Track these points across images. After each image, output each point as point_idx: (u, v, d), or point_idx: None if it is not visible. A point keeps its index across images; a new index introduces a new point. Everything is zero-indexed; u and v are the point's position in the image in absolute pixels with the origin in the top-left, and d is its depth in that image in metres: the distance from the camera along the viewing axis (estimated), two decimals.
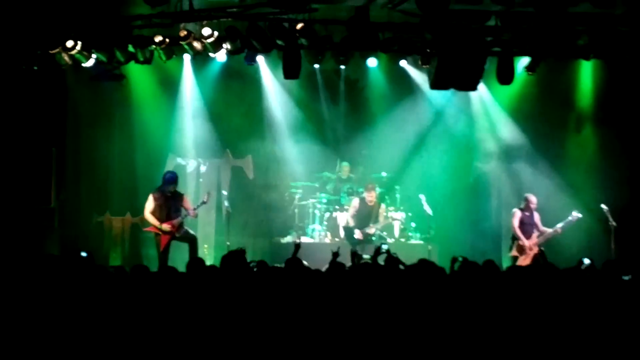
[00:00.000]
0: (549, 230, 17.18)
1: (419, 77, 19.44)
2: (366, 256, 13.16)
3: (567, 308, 8.19)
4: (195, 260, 10.22)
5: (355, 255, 12.03)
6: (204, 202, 17.02)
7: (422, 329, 7.67)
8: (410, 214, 18.97)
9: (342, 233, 18.64)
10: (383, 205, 18.46)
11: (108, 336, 7.67)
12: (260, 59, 18.65)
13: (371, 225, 17.98)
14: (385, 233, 18.28)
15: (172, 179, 16.57)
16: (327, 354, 7.47)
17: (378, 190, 18.34)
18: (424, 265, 8.93)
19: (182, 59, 18.34)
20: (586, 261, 11.64)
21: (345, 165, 19.81)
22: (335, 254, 11.29)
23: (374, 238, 17.85)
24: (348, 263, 11.00)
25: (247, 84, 19.92)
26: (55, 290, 8.47)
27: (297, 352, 7.48)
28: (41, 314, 7.93)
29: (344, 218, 18.68)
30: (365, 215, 18.08)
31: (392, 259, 10.56)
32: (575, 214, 17.13)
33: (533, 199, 17.41)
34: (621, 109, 18.67)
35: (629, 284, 9.59)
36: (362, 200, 18.15)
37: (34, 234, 17.13)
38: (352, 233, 17.90)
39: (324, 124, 20.53)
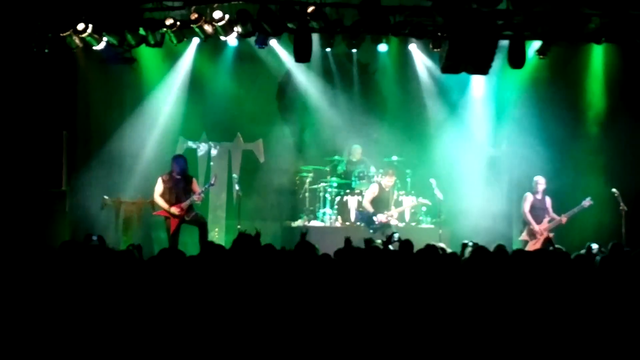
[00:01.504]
0: (557, 217, 17.26)
1: (429, 62, 19.47)
2: (378, 241, 13.14)
3: (575, 293, 8.18)
4: (208, 245, 10.30)
5: (368, 242, 12.03)
6: (211, 185, 17.09)
7: (428, 313, 7.67)
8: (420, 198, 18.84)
9: (352, 217, 18.63)
10: (395, 192, 18.47)
11: (117, 319, 7.69)
12: (273, 42, 18.60)
13: (393, 208, 18.04)
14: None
15: (180, 166, 16.56)
16: (333, 339, 7.49)
17: (395, 177, 18.34)
18: (431, 250, 8.94)
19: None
20: (594, 246, 11.62)
21: (357, 148, 19.75)
22: (348, 241, 11.31)
23: (394, 221, 17.91)
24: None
25: (258, 68, 19.92)
26: (65, 275, 8.50)
27: (304, 337, 7.49)
28: (52, 299, 7.95)
29: (357, 202, 18.67)
30: (384, 201, 18.14)
31: (404, 243, 10.58)
32: (587, 202, 17.16)
33: (540, 180, 17.53)
34: (633, 92, 18.57)
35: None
36: (380, 185, 18.18)
37: (45, 217, 17.16)
38: (371, 218, 17.89)
39: (336, 107, 20.49)
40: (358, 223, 18.24)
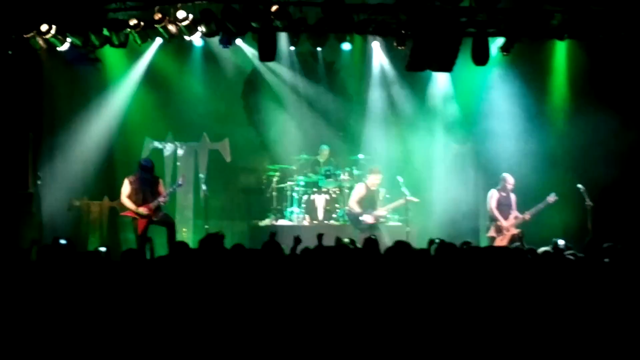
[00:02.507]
0: (520, 215, 17.30)
1: (392, 60, 19.56)
2: (346, 240, 13.19)
3: (542, 290, 8.25)
4: (177, 244, 10.31)
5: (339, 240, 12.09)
6: (179, 185, 17.05)
7: (396, 310, 7.71)
8: (388, 196, 18.77)
9: (320, 215, 18.67)
10: (382, 190, 18.32)
11: (87, 320, 7.69)
12: (238, 40, 18.54)
13: (379, 207, 17.91)
14: None
15: (146, 167, 16.53)
16: (304, 337, 7.51)
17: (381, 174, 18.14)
18: (401, 247, 8.98)
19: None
20: (560, 242, 11.70)
21: (325, 149, 19.76)
22: (297, 240, 11.36)
23: (382, 221, 17.82)
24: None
25: (224, 67, 19.90)
26: (37, 278, 8.49)
27: (275, 336, 7.52)
28: (23, 302, 7.94)
29: (325, 200, 18.72)
30: (371, 200, 17.86)
31: (367, 241, 10.61)
32: (551, 197, 17.21)
33: (510, 179, 17.47)
34: (597, 88, 18.66)
35: (607, 266, 9.67)
36: (366, 185, 17.97)
37: (11, 220, 17.06)
38: (358, 218, 17.76)
39: (303, 106, 20.53)
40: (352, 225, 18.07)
